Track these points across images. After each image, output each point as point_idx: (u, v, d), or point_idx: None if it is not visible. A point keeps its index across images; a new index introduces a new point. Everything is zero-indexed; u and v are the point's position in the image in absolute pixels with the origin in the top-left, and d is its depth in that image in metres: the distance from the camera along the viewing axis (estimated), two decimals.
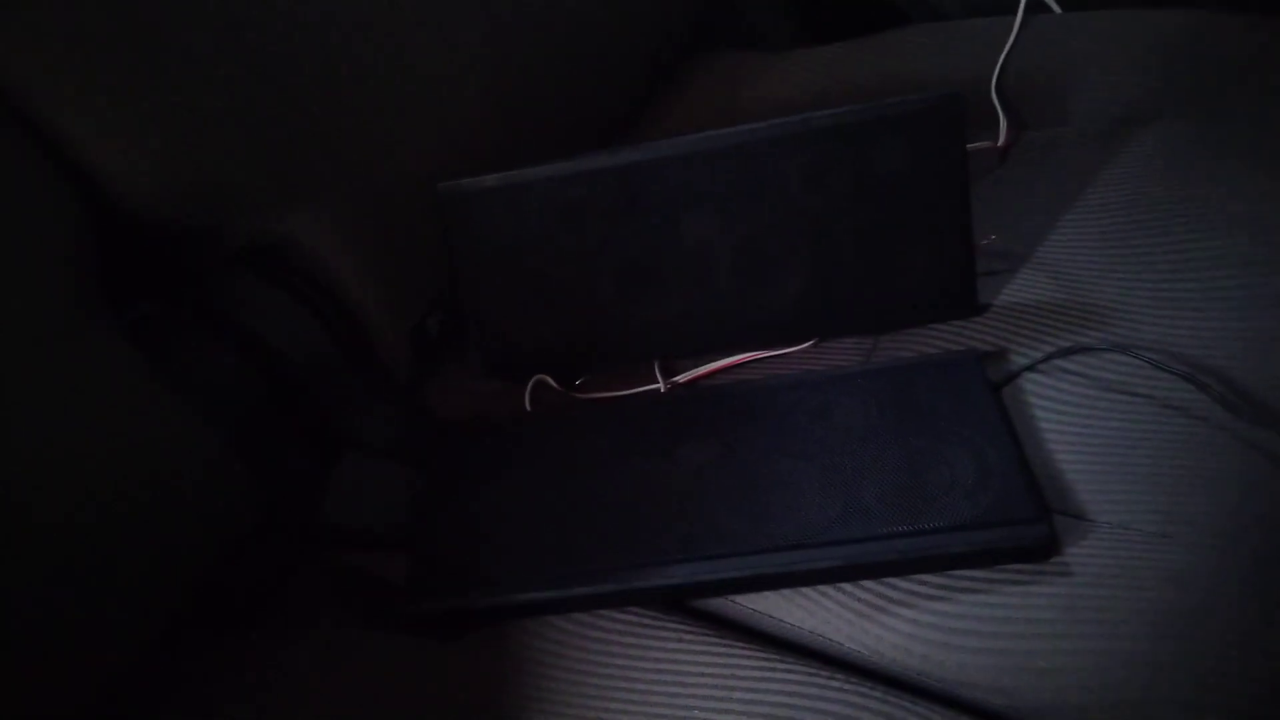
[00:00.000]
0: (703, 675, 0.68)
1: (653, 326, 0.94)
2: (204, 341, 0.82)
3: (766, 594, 0.73)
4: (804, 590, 0.72)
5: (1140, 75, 1.08)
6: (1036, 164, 1.06)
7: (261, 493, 0.82)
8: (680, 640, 0.71)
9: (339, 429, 0.89)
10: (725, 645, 0.70)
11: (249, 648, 0.77)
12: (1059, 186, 1.00)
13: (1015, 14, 1.17)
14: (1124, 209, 0.95)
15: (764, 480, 0.77)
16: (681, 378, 0.95)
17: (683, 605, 0.75)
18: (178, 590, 0.77)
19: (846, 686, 0.66)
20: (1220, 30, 1.07)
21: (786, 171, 0.86)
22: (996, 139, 1.11)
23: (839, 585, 0.71)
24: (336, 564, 0.81)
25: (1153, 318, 0.83)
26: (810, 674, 0.67)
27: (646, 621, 0.73)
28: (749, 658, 0.69)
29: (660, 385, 0.94)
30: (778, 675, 0.67)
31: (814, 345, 0.94)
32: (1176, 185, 0.95)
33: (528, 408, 0.94)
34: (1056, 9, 1.21)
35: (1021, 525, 0.69)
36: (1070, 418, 0.78)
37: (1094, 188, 0.98)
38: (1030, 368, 0.83)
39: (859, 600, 0.70)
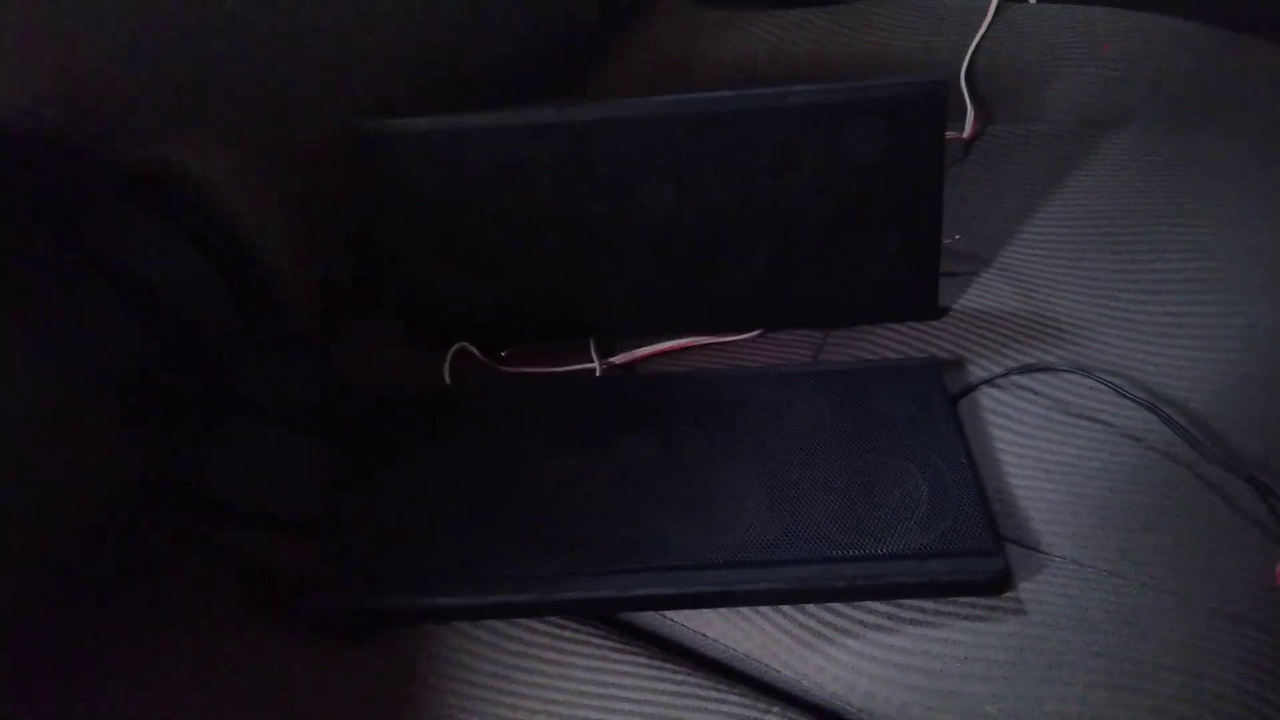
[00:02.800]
0: (629, 698, 0.62)
1: (594, 300, 0.87)
2: (78, 283, 0.71)
3: (703, 612, 0.67)
4: (743, 611, 0.66)
5: (1114, 76, 1.04)
6: (1002, 161, 1.02)
7: (141, 459, 0.72)
8: (606, 658, 0.65)
9: (233, 390, 0.79)
10: (655, 666, 0.64)
11: (109, 634, 0.68)
12: (1025, 188, 0.96)
13: None
14: (1091, 220, 0.91)
15: (707, 487, 0.71)
16: (618, 359, 0.88)
17: (610, 618, 0.69)
18: (38, 564, 0.67)
19: (784, 719, 0.61)
20: (1197, 40, 1.04)
21: (756, 147, 0.79)
22: (962, 130, 1.06)
23: (781, 608, 0.66)
24: (217, 545, 0.72)
25: (1116, 340, 0.80)
26: (746, 704, 0.62)
27: (569, 634, 0.66)
28: (681, 682, 0.63)
29: (595, 366, 0.86)
30: (711, 702, 0.62)
31: (760, 335, 0.88)
32: (1145, 199, 0.92)
33: (447, 379, 0.86)
34: None
35: (975, 557, 0.65)
36: (1027, 439, 0.74)
37: (1061, 193, 0.94)
38: (989, 382, 0.78)
39: (801, 626, 0.65)
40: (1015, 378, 0.78)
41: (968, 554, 0.65)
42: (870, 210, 0.81)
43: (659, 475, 0.72)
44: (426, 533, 0.70)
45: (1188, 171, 0.93)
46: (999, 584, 0.65)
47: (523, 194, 0.82)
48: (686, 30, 1.18)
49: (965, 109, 1.06)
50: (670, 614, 0.68)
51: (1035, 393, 0.77)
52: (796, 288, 0.85)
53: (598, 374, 0.86)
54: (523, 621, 0.67)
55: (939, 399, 0.75)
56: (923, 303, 0.85)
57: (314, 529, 0.72)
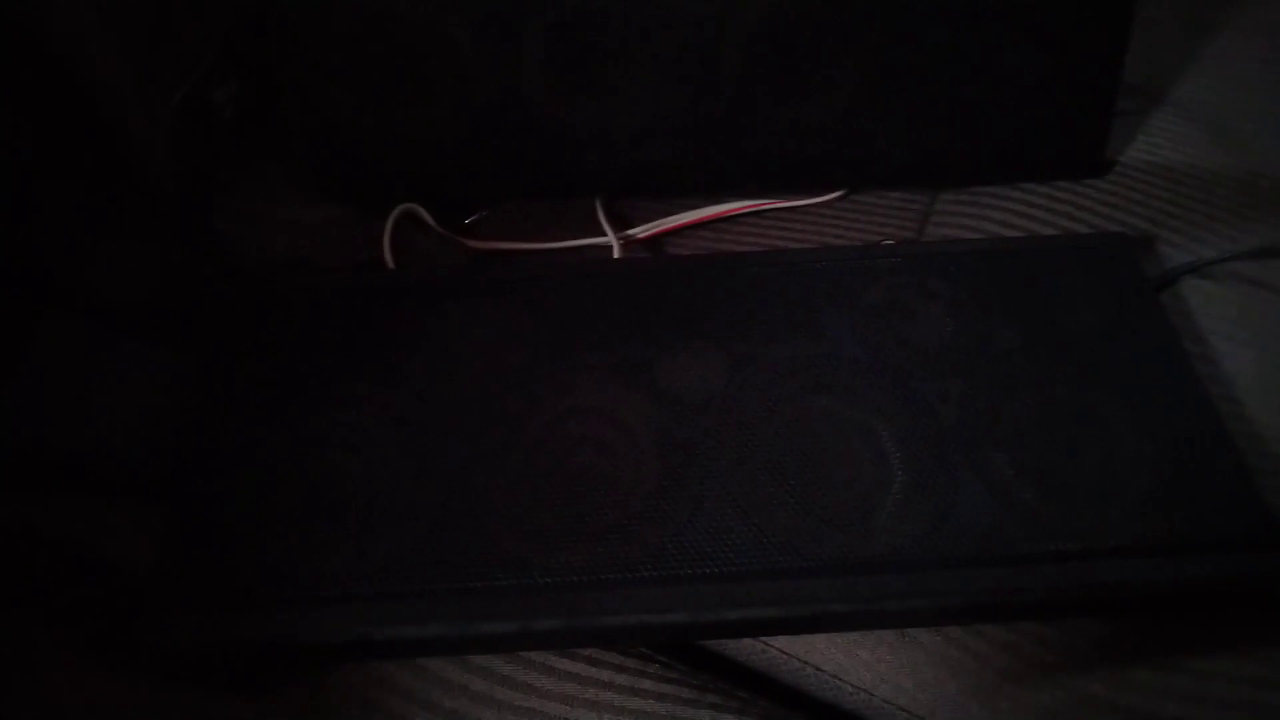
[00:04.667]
0: None
1: (599, 140, 0.58)
2: None
3: (816, 638, 0.43)
4: (884, 636, 0.42)
5: None
6: None
7: None
8: (674, 715, 0.40)
9: (44, 276, 0.50)
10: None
11: None
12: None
13: None
14: None
15: (814, 437, 0.45)
16: (639, 231, 0.60)
17: (675, 647, 0.44)
18: None
19: None
20: None
21: None
22: None
23: (944, 632, 0.42)
24: (15, 524, 0.44)
25: None
26: None
27: (608, 675, 0.41)
28: None
29: (612, 241, 0.59)
30: None
31: (842, 198, 0.61)
32: None
33: (388, 259, 0.57)
34: None
35: (1247, 550, 0.42)
36: (1265, 355, 0.50)
37: (1257, 11, 0.67)
38: (1197, 269, 0.53)
39: (977, 658, 0.41)
40: (1236, 265, 0.53)
41: (1231, 545, 0.42)
42: (1018, 7, 0.54)
43: (729, 420, 0.45)
44: (345, 510, 0.43)
45: None
46: None
47: None
48: None
49: None
50: (769, 641, 0.43)
51: (1269, 287, 0.52)
52: (897, 126, 0.57)
53: (616, 253, 0.58)
54: (521, 658, 0.41)
55: (1139, 296, 0.50)
56: (1084, 151, 0.59)
57: (161, 493, 0.44)
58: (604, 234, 0.59)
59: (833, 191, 0.62)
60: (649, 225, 0.61)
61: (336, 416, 0.46)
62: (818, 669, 0.42)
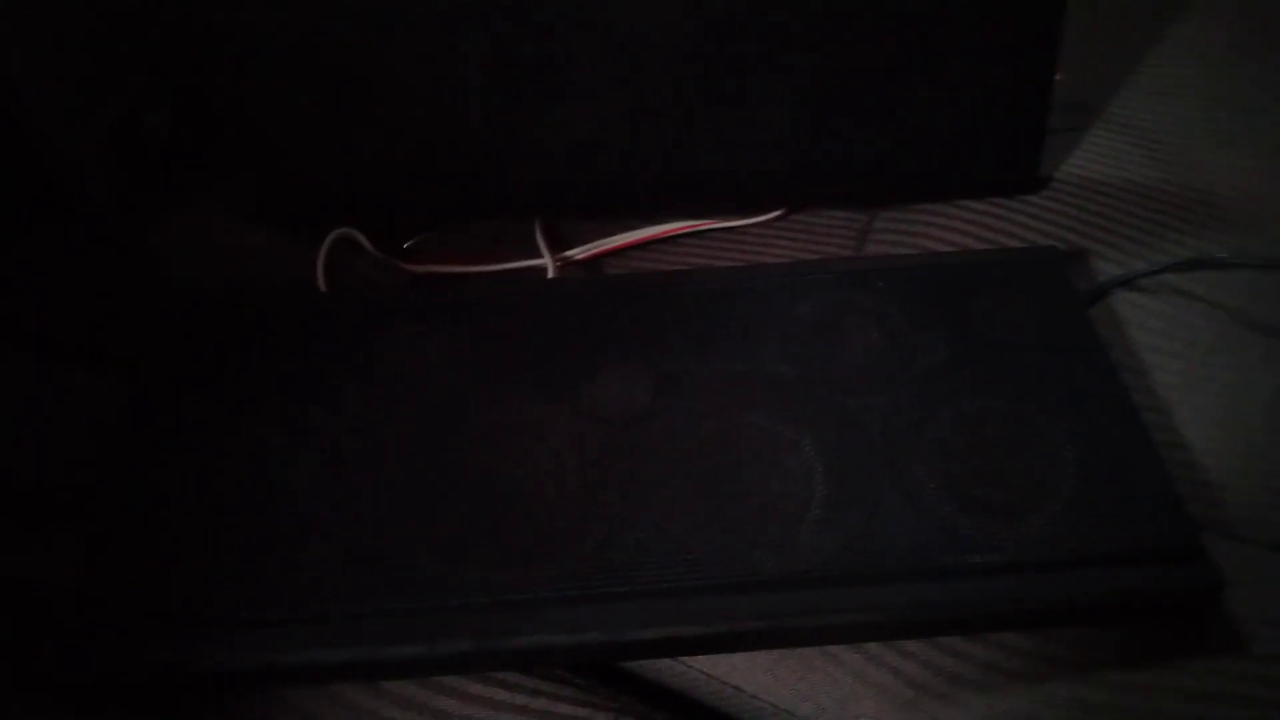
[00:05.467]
0: None
1: (535, 160, 0.58)
2: None
3: (736, 657, 0.42)
4: (805, 654, 0.42)
5: None
6: None
7: None
8: None
9: None
10: None
11: None
12: (1139, 17, 0.70)
13: None
14: (1235, 55, 0.66)
15: (735, 453, 0.44)
16: (577, 253, 0.60)
17: (593, 669, 0.43)
18: None
19: None
20: None
21: None
22: None
23: (863, 649, 0.41)
24: None
25: None
26: None
27: (525, 700, 0.40)
28: None
29: (547, 263, 0.59)
30: None
31: (781, 217, 0.62)
32: None
33: (320, 284, 0.57)
34: None
35: (1162, 562, 0.41)
36: (1197, 367, 0.50)
37: (1190, 25, 0.68)
38: (1129, 282, 0.54)
39: (898, 675, 0.41)
40: (1167, 276, 0.53)
41: (1152, 556, 0.41)
42: (956, 20, 0.54)
43: (654, 436, 0.45)
44: (263, 533, 0.42)
45: None
46: (1204, 600, 0.42)
47: None
48: None
49: None
50: (689, 661, 0.43)
51: (1199, 298, 0.53)
52: (835, 145, 0.58)
53: (550, 274, 0.58)
54: (447, 683, 0.41)
55: (1068, 309, 0.50)
56: (1018, 168, 0.59)
57: (81, 516, 0.43)
58: (539, 255, 0.59)
59: (772, 211, 0.62)
60: (588, 246, 0.61)
61: (262, 439, 0.46)
62: (738, 689, 0.42)
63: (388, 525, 0.42)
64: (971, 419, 0.46)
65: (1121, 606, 0.41)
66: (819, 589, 0.40)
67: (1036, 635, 0.42)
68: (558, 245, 0.61)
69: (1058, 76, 0.61)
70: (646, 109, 0.56)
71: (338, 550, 0.41)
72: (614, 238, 0.61)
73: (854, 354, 0.49)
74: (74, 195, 0.53)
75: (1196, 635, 0.41)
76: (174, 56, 0.56)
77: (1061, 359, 0.48)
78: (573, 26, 0.54)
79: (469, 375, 0.49)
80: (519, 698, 0.40)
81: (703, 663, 0.42)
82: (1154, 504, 0.43)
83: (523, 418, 0.46)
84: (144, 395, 0.48)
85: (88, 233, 0.54)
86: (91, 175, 0.54)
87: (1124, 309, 0.53)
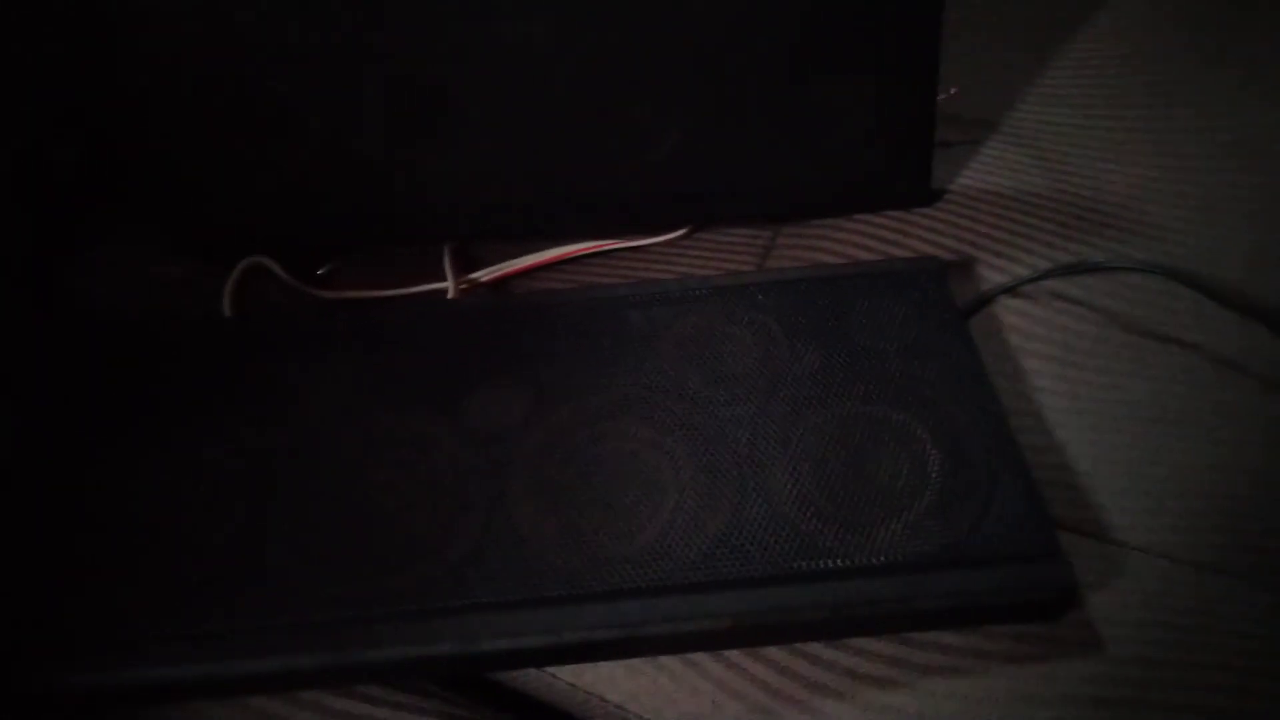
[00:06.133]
0: None
1: (439, 187, 0.60)
2: None
3: (601, 666, 0.43)
4: (666, 663, 0.42)
5: None
6: None
7: None
8: None
9: None
10: None
11: None
12: (1029, 27, 0.71)
13: None
14: (1119, 66, 0.67)
15: (600, 466, 0.45)
16: (482, 275, 0.61)
17: (458, 681, 0.44)
18: None
19: None
20: None
21: None
22: None
23: (724, 656, 0.42)
24: None
25: (1182, 223, 0.56)
26: None
27: (389, 713, 0.41)
28: None
29: (449, 286, 0.60)
30: None
31: (686, 236, 0.63)
32: (1186, 34, 0.68)
33: (225, 309, 0.58)
34: None
35: (1022, 563, 0.42)
36: (1075, 371, 0.51)
37: (1078, 33, 0.69)
38: (1012, 289, 0.54)
39: (757, 682, 0.41)
40: (1049, 283, 0.54)
41: (1010, 557, 0.42)
42: (835, 44, 0.55)
43: (526, 450, 0.46)
44: (137, 551, 0.43)
45: (1234, 6, 0.70)
46: (1061, 601, 0.42)
47: (323, 22, 0.54)
48: None
49: None
50: (555, 670, 0.43)
51: (1079, 303, 0.53)
52: (731, 163, 0.59)
53: (450, 295, 0.59)
54: (308, 698, 0.41)
55: (945, 316, 0.51)
56: (910, 183, 0.60)
57: None
58: (445, 279, 0.60)
59: (676, 230, 0.63)
60: (493, 269, 0.62)
61: (146, 462, 0.47)
62: (603, 699, 0.42)
63: (262, 542, 0.43)
64: (839, 426, 0.46)
65: (977, 609, 0.42)
66: (676, 596, 0.41)
67: (896, 640, 0.42)
68: (468, 267, 0.62)
69: (952, 91, 0.62)
70: (542, 134, 0.58)
71: (206, 568, 0.42)
72: (520, 259, 0.62)
73: (729, 365, 0.50)
74: None
75: (1054, 638, 0.42)
76: (79, 91, 0.58)
77: (934, 365, 0.49)
78: (465, 57, 0.55)
79: (357, 395, 0.50)
80: (381, 711, 0.41)
81: (568, 673, 0.43)
82: (1013, 506, 0.43)
83: (403, 434, 0.47)
84: (47, 425, 0.49)
85: None
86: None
87: (1007, 316, 0.54)
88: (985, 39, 0.68)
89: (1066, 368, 0.51)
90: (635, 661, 0.42)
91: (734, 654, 0.42)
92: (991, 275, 0.56)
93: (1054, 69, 0.66)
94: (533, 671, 0.43)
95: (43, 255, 0.58)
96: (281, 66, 0.56)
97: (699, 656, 0.42)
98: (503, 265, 0.62)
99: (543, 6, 0.52)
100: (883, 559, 0.42)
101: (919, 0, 0.54)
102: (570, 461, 0.45)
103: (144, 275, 0.61)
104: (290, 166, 0.59)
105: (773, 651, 0.42)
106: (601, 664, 0.42)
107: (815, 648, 0.42)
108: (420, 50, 0.55)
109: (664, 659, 0.42)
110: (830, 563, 0.42)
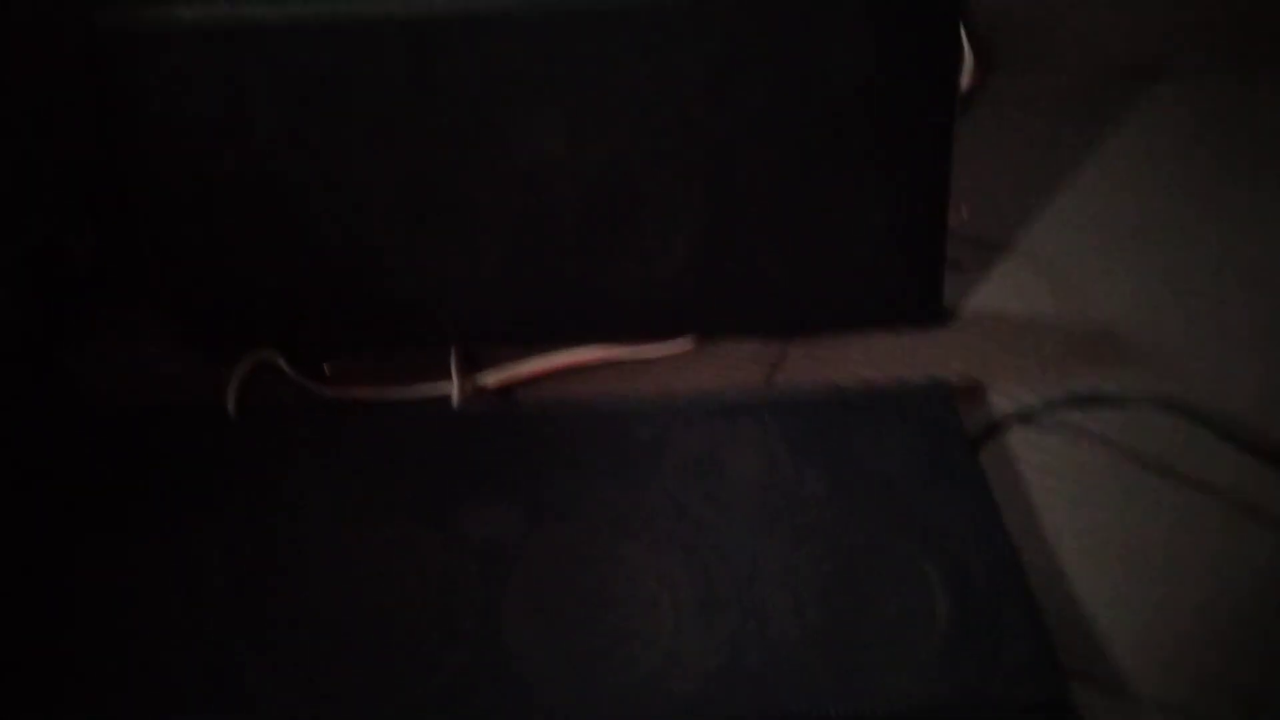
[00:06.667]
0: None
1: (449, 289, 0.60)
2: None
3: None
4: None
5: (1147, 15, 0.81)
6: (1012, 118, 0.77)
7: None
8: None
9: None
10: None
11: None
12: (1044, 152, 0.72)
13: None
14: (1133, 193, 0.67)
15: (595, 589, 0.44)
16: (488, 378, 0.61)
17: None
18: None
19: None
20: None
21: (683, 61, 0.53)
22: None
23: None
24: None
25: (1201, 357, 0.56)
26: None
27: None
28: None
29: (453, 390, 0.59)
30: None
31: (693, 346, 0.62)
32: (1199, 166, 0.68)
33: (229, 406, 0.58)
34: None
35: (1031, 713, 0.40)
36: (1089, 509, 0.49)
37: (1090, 160, 0.70)
38: (1025, 418, 0.53)
39: None
40: (1063, 412, 0.53)
41: (1019, 710, 0.40)
42: (846, 161, 0.56)
43: (521, 568, 0.45)
44: (114, 660, 0.42)
45: (1247, 131, 0.70)
46: None
47: (340, 128, 0.55)
48: None
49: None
50: None
51: (1094, 435, 0.52)
52: (739, 277, 0.59)
53: (455, 403, 0.58)
54: None
55: (955, 445, 0.50)
56: (921, 302, 0.60)
57: None
58: (450, 379, 0.60)
59: (682, 340, 0.63)
60: (500, 373, 0.61)
61: (146, 564, 0.46)
62: None
63: (241, 663, 0.42)
64: (843, 558, 0.45)
65: None
66: None
67: None
68: (475, 368, 0.62)
69: (964, 211, 0.62)
70: (551, 243, 0.58)
71: (183, 684, 0.41)
72: (525, 365, 0.62)
73: (733, 487, 0.49)
74: None
75: None
76: (94, 184, 0.59)
77: (943, 496, 0.48)
78: (480, 167, 0.56)
79: (353, 504, 0.49)
80: None
81: None
82: (1024, 654, 0.42)
83: (396, 547, 0.46)
84: (32, 511, 0.49)
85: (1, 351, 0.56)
86: (9, 298, 0.56)
87: (1017, 445, 0.53)
88: (997, 160, 0.69)
89: (1079, 505, 0.49)
90: None
91: None
92: (1002, 402, 0.55)
93: (1067, 192, 0.67)
94: None
95: (49, 343, 0.58)
96: (297, 167, 0.57)
97: None
98: (508, 370, 0.61)
99: (557, 123, 0.53)
100: (885, 707, 0.40)
101: (930, 117, 0.55)
102: (566, 582, 0.44)
103: (149, 367, 0.61)
104: (302, 264, 0.59)
105: None
106: None
107: None
108: (435, 159, 0.56)
109: None
110: (830, 708, 0.40)
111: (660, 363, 0.62)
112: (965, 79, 0.82)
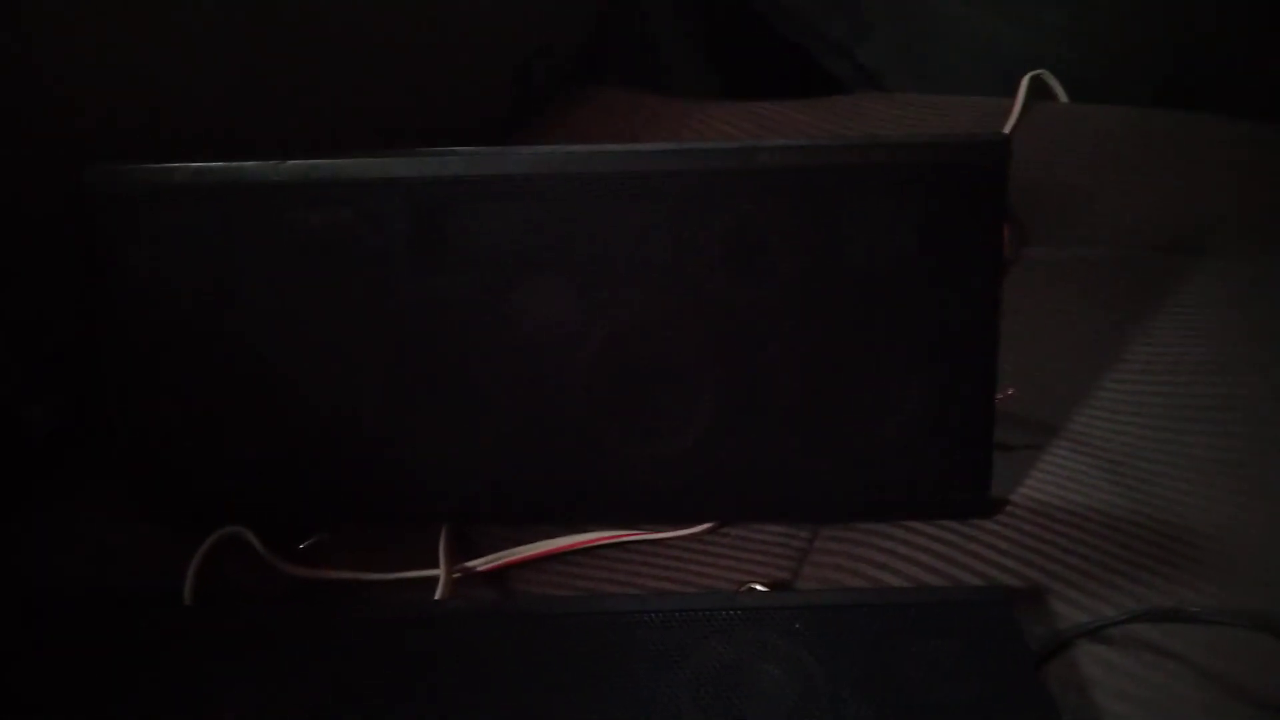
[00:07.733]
0: None
1: (442, 465, 0.54)
2: None
3: None
4: None
5: (1182, 190, 0.79)
6: (1048, 292, 0.73)
7: None
8: None
9: None
10: None
11: None
12: (1086, 329, 0.68)
13: (1014, 97, 0.88)
14: (1189, 375, 0.62)
15: None
16: (479, 564, 0.55)
17: None
18: None
19: None
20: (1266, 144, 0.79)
21: (704, 232, 0.49)
22: None
23: None
24: None
25: None
26: None
27: None
28: None
29: (440, 575, 0.53)
30: None
31: (712, 531, 0.56)
32: (1253, 346, 0.64)
33: (186, 595, 0.51)
34: (1063, 96, 0.92)
35: None
36: None
37: (1136, 337, 0.65)
38: (1094, 632, 0.46)
39: None
40: (1139, 628, 0.46)
41: None
42: (881, 338, 0.51)
43: None
44: None
45: None
46: None
47: (333, 294, 0.51)
48: (622, 116, 0.91)
49: None
50: None
51: (1172, 655, 0.45)
52: (760, 459, 0.53)
53: (439, 593, 0.52)
54: None
55: (1016, 662, 0.43)
56: (966, 490, 0.53)
57: None
58: (437, 565, 0.53)
59: (700, 524, 0.56)
60: (495, 556, 0.55)
61: None
62: None
63: None
64: None
65: None
66: None
67: None
68: (464, 552, 0.55)
69: (1009, 392, 0.57)
70: (558, 416, 0.53)
71: None
72: (522, 549, 0.55)
73: (760, 711, 0.41)
74: None
75: None
76: (59, 349, 0.55)
77: None
78: (483, 335, 0.52)
79: (313, 714, 0.42)
80: None
81: None
82: None
83: None
84: None
85: None
86: None
87: (1087, 664, 0.45)
88: (1035, 335, 0.64)
89: None
90: None
91: None
92: (1067, 611, 0.48)
93: (1125, 371, 0.62)
94: None
95: None
96: (286, 335, 0.52)
97: None
98: (503, 555, 0.55)
99: (567, 291, 0.48)
100: None
101: (971, 297, 0.50)
102: None
103: (101, 542, 0.55)
104: (280, 436, 0.54)
105: None
106: None
107: None
108: (436, 327, 0.52)
109: None
110: None
111: (672, 545, 0.55)
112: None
